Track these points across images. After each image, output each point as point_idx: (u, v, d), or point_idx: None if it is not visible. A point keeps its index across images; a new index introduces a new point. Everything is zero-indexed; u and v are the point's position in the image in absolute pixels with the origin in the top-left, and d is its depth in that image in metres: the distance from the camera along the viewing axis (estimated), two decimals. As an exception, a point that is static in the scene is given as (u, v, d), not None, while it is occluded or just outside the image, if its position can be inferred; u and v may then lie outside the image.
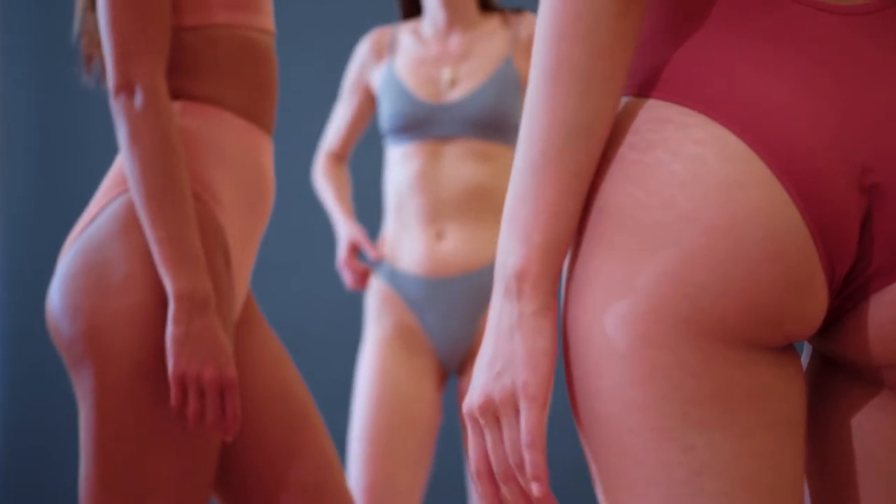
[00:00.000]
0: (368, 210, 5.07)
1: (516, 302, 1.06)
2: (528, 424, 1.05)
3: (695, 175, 1.04)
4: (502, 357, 1.06)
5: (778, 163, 1.04)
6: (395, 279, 2.93)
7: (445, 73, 2.93)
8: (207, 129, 1.82)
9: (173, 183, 1.71)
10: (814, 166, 1.04)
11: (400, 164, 2.93)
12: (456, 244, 2.89)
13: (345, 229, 3.00)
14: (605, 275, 1.07)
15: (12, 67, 5.43)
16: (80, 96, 5.37)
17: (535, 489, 1.05)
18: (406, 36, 3.01)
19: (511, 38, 2.96)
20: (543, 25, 1.06)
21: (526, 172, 1.06)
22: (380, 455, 2.86)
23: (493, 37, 2.96)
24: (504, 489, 1.08)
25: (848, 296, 1.09)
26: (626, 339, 1.05)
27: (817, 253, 1.05)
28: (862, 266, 1.08)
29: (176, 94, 1.83)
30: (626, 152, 1.07)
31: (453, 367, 2.92)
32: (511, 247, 1.06)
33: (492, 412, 1.07)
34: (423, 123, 2.90)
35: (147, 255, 1.73)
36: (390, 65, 2.98)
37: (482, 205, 2.90)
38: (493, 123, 2.88)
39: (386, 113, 2.94)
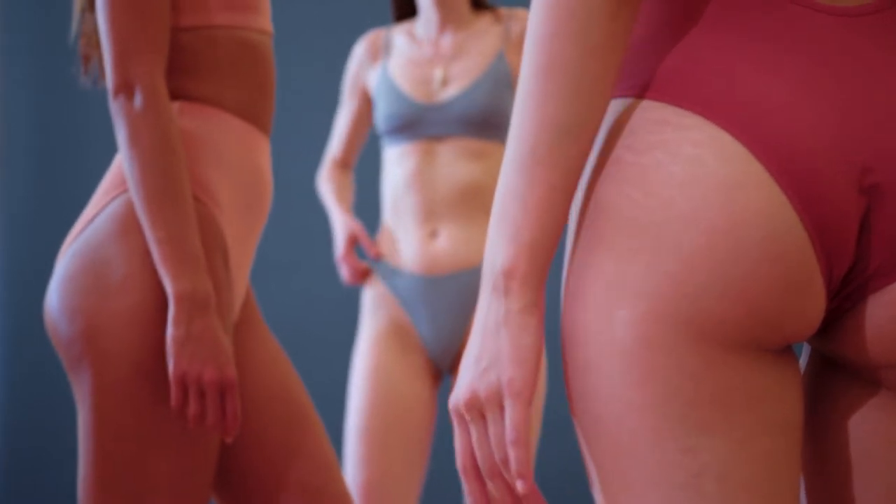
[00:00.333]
0: (368, 211, 5.08)
1: (503, 299, 1.06)
2: (512, 421, 1.05)
3: (693, 176, 1.04)
4: (488, 354, 1.07)
5: (776, 164, 1.04)
6: (390, 276, 2.94)
7: (437, 73, 2.95)
8: (206, 129, 1.82)
9: (173, 183, 1.71)
10: (813, 167, 1.04)
11: (396, 164, 2.94)
12: (449, 243, 2.90)
13: (341, 221, 3.01)
14: (603, 276, 1.07)
15: (12, 67, 5.43)
16: (80, 96, 5.37)
17: (519, 486, 1.05)
18: (400, 37, 3.03)
19: (502, 34, 2.96)
20: (536, 23, 1.07)
21: (515, 170, 1.06)
22: (375, 453, 2.87)
23: (484, 34, 2.97)
24: (490, 485, 1.08)
25: (847, 296, 1.09)
26: (626, 340, 1.06)
27: (815, 254, 1.05)
28: (861, 266, 1.08)
29: (174, 95, 1.83)
30: (624, 153, 1.08)
31: (445, 366, 2.93)
32: (499, 244, 1.07)
33: (477, 408, 1.07)
34: (416, 124, 2.91)
35: (145, 256, 1.73)
36: (384, 66, 2.99)
37: (476, 203, 2.91)
38: (485, 121, 2.89)
39: (381, 114, 2.96)
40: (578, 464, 4.85)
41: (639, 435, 1.06)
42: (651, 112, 1.08)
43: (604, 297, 1.07)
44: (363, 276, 2.98)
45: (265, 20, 1.89)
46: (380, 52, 3.04)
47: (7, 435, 5.37)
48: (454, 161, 2.90)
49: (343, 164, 3.17)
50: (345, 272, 2.97)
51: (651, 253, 1.05)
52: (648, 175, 1.06)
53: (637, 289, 1.05)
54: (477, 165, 2.90)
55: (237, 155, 1.84)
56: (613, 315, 1.06)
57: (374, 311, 2.96)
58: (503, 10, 3.02)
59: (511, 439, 1.05)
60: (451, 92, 2.92)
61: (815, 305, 1.07)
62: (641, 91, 1.09)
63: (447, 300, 2.89)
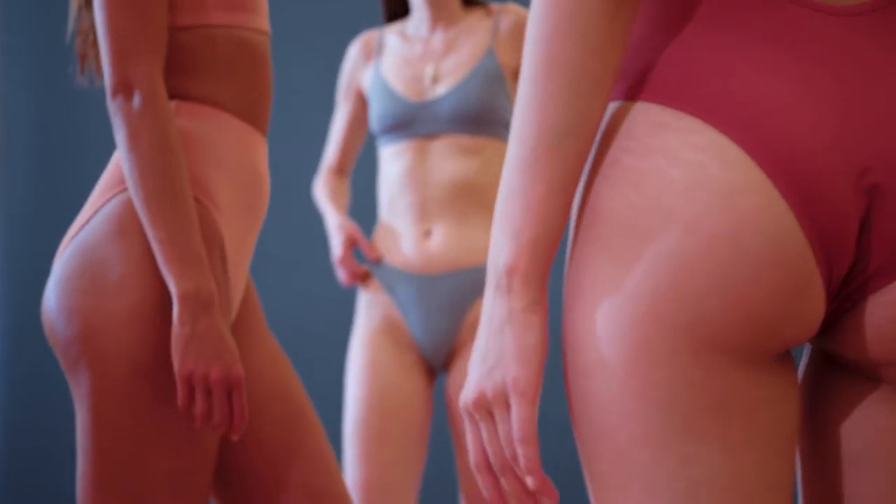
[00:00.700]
0: (366, 212, 5.08)
1: (506, 297, 1.07)
2: (518, 419, 1.06)
3: (694, 181, 1.04)
4: (494, 352, 1.08)
5: (775, 168, 1.04)
6: (383, 274, 2.94)
7: (428, 71, 2.95)
8: (205, 129, 1.81)
9: (173, 183, 1.71)
10: (813, 168, 1.04)
11: (390, 162, 2.95)
12: (443, 242, 2.90)
13: (338, 223, 3.00)
14: (602, 282, 1.07)
15: (12, 67, 5.43)
16: (80, 96, 5.37)
17: (529, 482, 1.07)
18: (392, 37, 3.04)
19: (492, 29, 2.97)
20: (535, 24, 1.07)
21: (516, 170, 1.07)
22: (373, 450, 2.88)
23: (475, 30, 2.97)
24: (503, 481, 1.09)
25: (847, 296, 1.10)
26: (625, 348, 1.06)
27: (815, 257, 1.05)
28: (861, 266, 1.08)
29: (172, 94, 1.82)
30: (623, 156, 1.08)
31: (438, 364, 2.93)
32: (502, 243, 1.08)
33: (485, 407, 1.08)
34: (409, 122, 2.92)
35: (143, 256, 1.72)
36: (377, 66, 3.00)
37: (471, 200, 2.91)
38: (476, 118, 2.89)
39: (374, 114, 2.97)
40: (578, 464, 4.85)
41: (637, 442, 1.06)
42: (650, 114, 1.08)
43: (603, 303, 1.07)
44: (362, 278, 2.98)
45: (263, 20, 1.89)
46: (373, 53, 3.05)
47: (7, 435, 5.37)
48: (447, 158, 2.90)
49: (339, 170, 3.17)
50: (342, 275, 2.97)
51: (651, 260, 1.05)
52: (648, 179, 1.06)
53: (636, 296, 1.05)
54: (470, 161, 2.90)
55: (236, 155, 1.83)
56: (612, 322, 1.06)
57: (368, 308, 2.96)
58: (494, 6, 3.02)
59: (518, 437, 1.06)
60: (441, 89, 2.93)
61: (814, 309, 1.07)
62: (639, 92, 1.09)
63: (440, 299, 2.90)
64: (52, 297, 1.75)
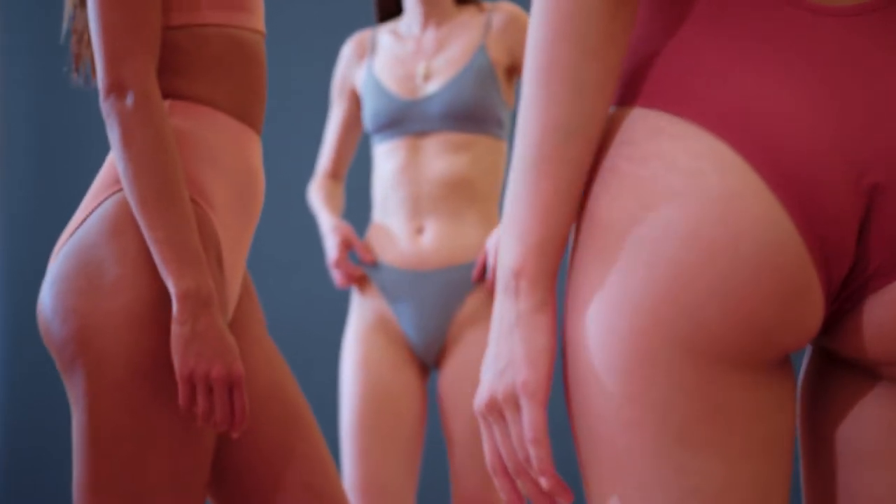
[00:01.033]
0: (360, 214, 5.08)
1: (514, 300, 1.08)
2: (530, 421, 1.07)
3: (693, 188, 1.05)
4: (504, 355, 1.09)
5: (773, 172, 1.04)
6: (376, 272, 2.94)
7: (420, 68, 2.95)
8: (199, 129, 1.81)
9: (169, 182, 1.70)
10: (812, 171, 1.04)
11: (383, 161, 2.96)
12: (434, 239, 2.91)
13: (332, 225, 3.00)
14: (601, 290, 1.08)
15: (12, 67, 5.43)
16: (79, 96, 5.37)
17: (543, 483, 1.08)
18: (385, 36, 3.04)
19: (484, 26, 2.97)
20: (536, 26, 1.07)
21: (521, 173, 1.08)
22: (370, 448, 2.88)
23: (466, 28, 2.98)
24: (519, 483, 1.10)
25: (847, 297, 1.10)
26: (624, 355, 1.06)
27: (814, 262, 1.05)
28: (860, 267, 1.08)
29: (166, 94, 1.82)
30: (622, 163, 1.08)
31: (430, 361, 2.94)
32: (509, 246, 1.08)
33: (497, 410, 1.09)
34: (401, 120, 2.92)
35: (138, 256, 1.72)
36: (370, 65, 3.01)
37: (463, 196, 2.91)
38: (468, 115, 2.89)
39: (367, 113, 2.97)
40: (577, 465, 4.85)
41: (635, 451, 1.07)
42: (648, 120, 1.08)
43: (601, 310, 1.07)
44: (357, 280, 2.98)
45: (258, 20, 1.88)
46: (366, 52, 3.05)
47: (7, 435, 5.37)
48: (439, 155, 2.91)
49: (333, 174, 3.17)
50: (337, 277, 2.97)
51: (649, 267, 1.05)
52: (647, 186, 1.06)
53: (635, 304, 1.05)
54: (462, 158, 2.91)
55: (231, 155, 1.83)
56: (611, 329, 1.07)
57: (360, 306, 2.97)
58: (486, 3, 3.02)
59: (529, 438, 1.07)
60: (432, 87, 2.93)
61: (813, 314, 1.07)
62: (638, 97, 1.09)
63: (431, 296, 2.90)
64: (47, 297, 1.75)
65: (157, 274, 1.71)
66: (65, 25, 1.94)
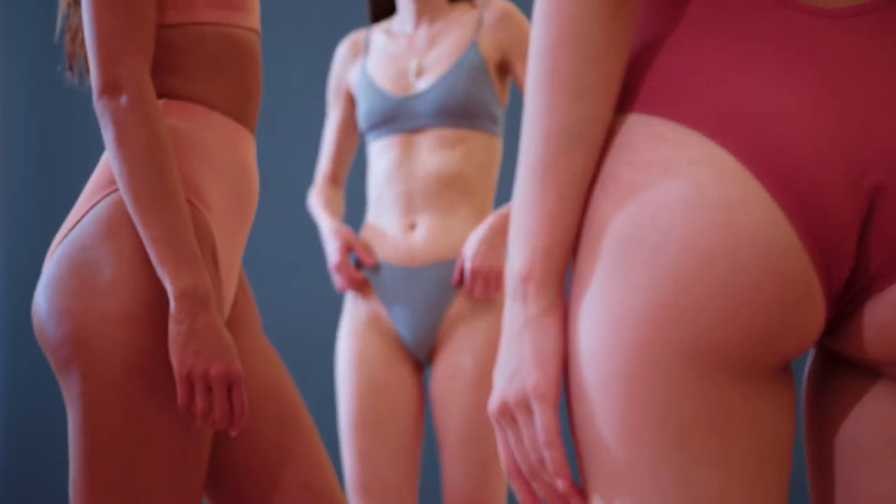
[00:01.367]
0: (357, 217, 5.07)
1: (523, 304, 1.09)
2: (542, 424, 1.08)
3: (693, 196, 1.05)
4: (514, 359, 1.10)
5: (772, 178, 1.04)
6: (371, 269, 2.95)
7: (412, 65, 2.96)
8: (194, 128, 1.81)
9: (164, 181, 1.70)
10: (812, 174, 1.04)
11: (378, 158, 2.96)
12: (426, 234, 2.91)
13: (333, 229, 3.00)
14: (601, 297, 1.08)
15: (12, 67, 5.43)
16: (79, 96, 5.37)
17: (559, 485, 1.09)
18: (378, 35, 3.05)
19: (476, 22, 2.97)
20: (538, 33, 1.08)
21: (527, 178, 1.09)
22: (369, 446, 2.88)
23: (458, 24, 2.99)
24: (534, 486, 1.11)
25: (849, 300, 1.10)
26: (624, 363, 1.06)
27: (815, 266, 1.06)
28: (862, 269, 1.08)
29: (160, 92, 1.81)
30: (623, 170, 1.08)
31: (423, 358, 2.94)
32: (516, 250, 1.10)
33: (509, 414, 1.11)
34: (394, 118, 2.93)
35: (133, 256, 1.72)
36: (364, 65, 3.01)
37: (455, 192, 2.92)
38: (459, 110, 2.90)
39: (361, 112, 2.98)
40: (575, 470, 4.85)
41: (636, 459, 1.07)
42: (648, 126, 1.08)
43: (602, 317, 1.08)
44: (358, 284, 2.97)
45: (253, 18, 1.88)
46: (360, 52, 3.06)
47: (7, 435, 5.37)
48: (432, 151, 2.91)
49: (333, 180, 3.17)
50: (338, 280, 2.97)
51: (650, 274, 1.06)
52: (647, 194, 1.07)
53: (635, 310, 1.06)
54: (454, 153, 2.91)
55: (225, 154, 1.83)
56: (611, 336, 1.07)
57: (354, 303, 2.97)
58: (478, 0, 3.03)
59: (543, 441, 1.09)
60: (425, 83, 2.94)
61: (814, 318, 1.07)
62: (638, 103, 1.10)
63: (423, 292, 2.90)
64: (42, 299, 1.74)
65: (152, 274, 1.71)
66: (59, 24, 1.93)
